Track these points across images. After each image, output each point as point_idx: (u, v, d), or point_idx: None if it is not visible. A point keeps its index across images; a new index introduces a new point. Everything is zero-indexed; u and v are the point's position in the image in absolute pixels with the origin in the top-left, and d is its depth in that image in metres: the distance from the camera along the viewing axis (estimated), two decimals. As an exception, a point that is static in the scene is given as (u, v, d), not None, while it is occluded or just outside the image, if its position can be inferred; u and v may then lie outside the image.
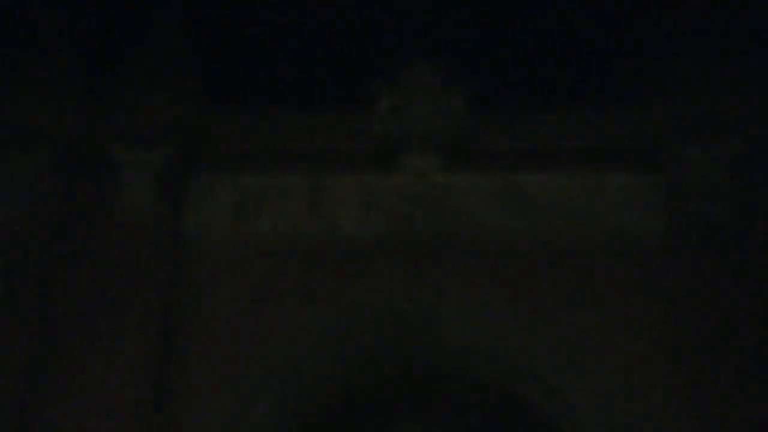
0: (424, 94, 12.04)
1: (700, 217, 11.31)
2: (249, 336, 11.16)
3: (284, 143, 12.03)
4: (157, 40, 12.38)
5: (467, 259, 11.44)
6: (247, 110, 12.20)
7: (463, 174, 11.88)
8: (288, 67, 12.88)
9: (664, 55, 12.03)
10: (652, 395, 10.67)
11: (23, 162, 11.79)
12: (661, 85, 11.88)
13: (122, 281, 11.15)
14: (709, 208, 11.31)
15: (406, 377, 11.45)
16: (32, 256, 11.19)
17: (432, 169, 11.85)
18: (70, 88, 11.96)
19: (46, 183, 11.67)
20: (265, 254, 11.53)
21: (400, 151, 11.87)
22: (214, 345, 11.13)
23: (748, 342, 10.59)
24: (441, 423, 12.65)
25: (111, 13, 12.92)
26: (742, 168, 11.53)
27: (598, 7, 12.64)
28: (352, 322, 11.14)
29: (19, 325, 10.88)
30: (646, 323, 11.14)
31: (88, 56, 12.03)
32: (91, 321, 11.14)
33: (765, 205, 11.36)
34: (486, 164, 11.93)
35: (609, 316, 11.19)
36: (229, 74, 12.33)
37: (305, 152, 12.00)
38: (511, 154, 11.99)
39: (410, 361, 11.26)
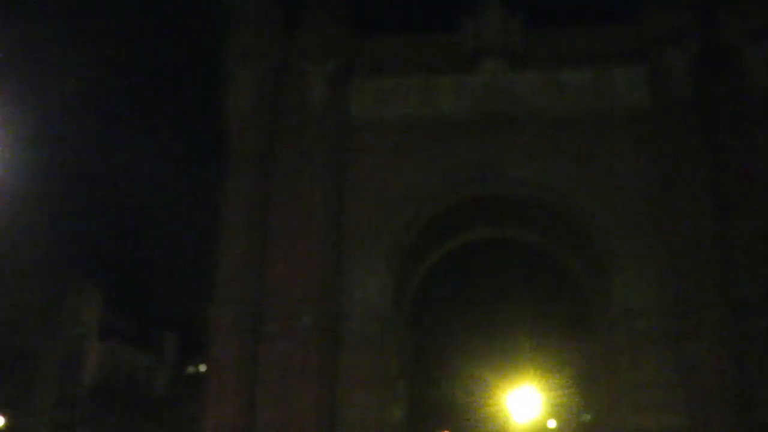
0: (494, 20, 18.88)
1: (671, 95, 17.88)
2: (390, 175, 18.72)
3: (407, 57, 19.19)
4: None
5: (521, 127, 18.56)
6: (383, 36, 19.39)
7: (519, 72, 18.81)
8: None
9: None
10: (636, 198, 17.91)
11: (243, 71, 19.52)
12: (647, 7, 18.45)
13: (316, 145, 18.80)
14: (677, 88, 17.82)
15: (482, 199, 18.85)
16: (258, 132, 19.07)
17: (500, 70, 18.82)
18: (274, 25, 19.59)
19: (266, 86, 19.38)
20: (396, 129, 18.94)
21: (479, 59, 18.86)
22: (369, 182, 18.76)
23: (695, 170, 17.54)
24: (502, 226, 20.30)
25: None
26: (699, 63, 17.95)
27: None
28: (450, 165, 18.50)
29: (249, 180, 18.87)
30: (637, 160, 18.19)
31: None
32: (296, 169, 18.93)
33: (710, 86, 17.85)
34: (534, 65, 18.78)
35: (613, 159, 18.29)
36: (373, 10, 19.46)
37: (420, 63, 19.14)
38: (551, 58, 18.77)
39: (484, 189, 18.59)
